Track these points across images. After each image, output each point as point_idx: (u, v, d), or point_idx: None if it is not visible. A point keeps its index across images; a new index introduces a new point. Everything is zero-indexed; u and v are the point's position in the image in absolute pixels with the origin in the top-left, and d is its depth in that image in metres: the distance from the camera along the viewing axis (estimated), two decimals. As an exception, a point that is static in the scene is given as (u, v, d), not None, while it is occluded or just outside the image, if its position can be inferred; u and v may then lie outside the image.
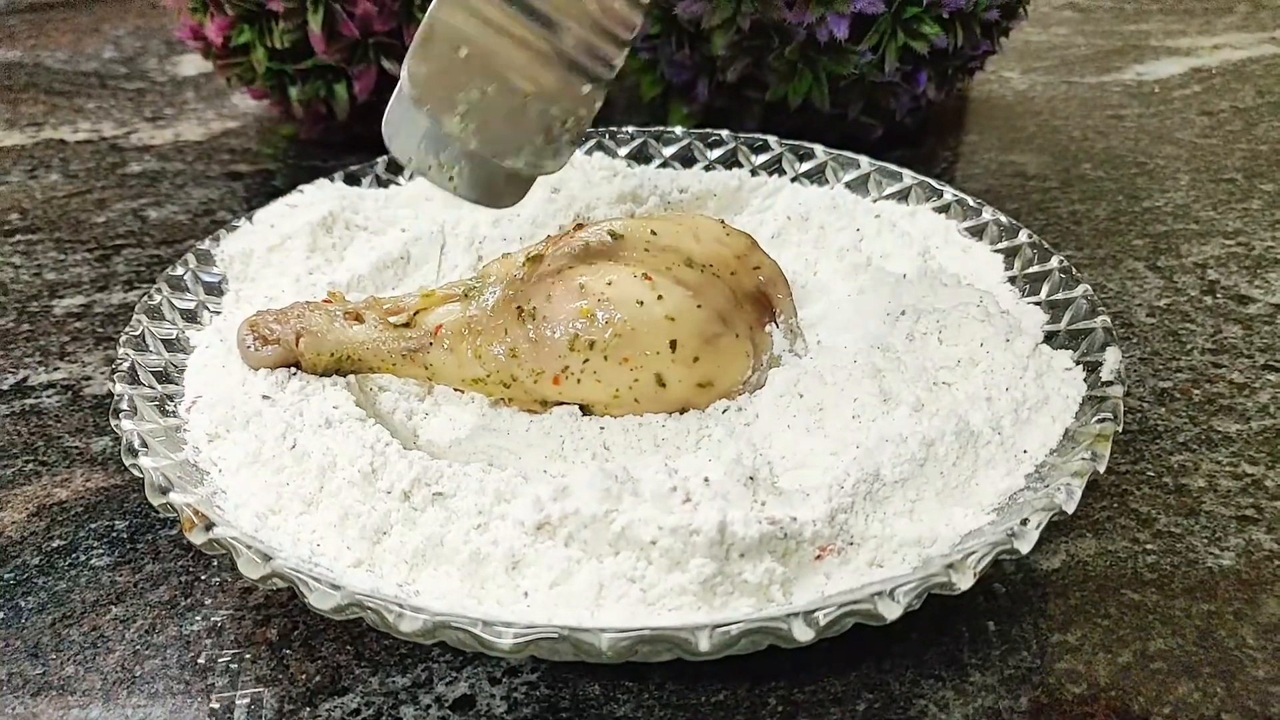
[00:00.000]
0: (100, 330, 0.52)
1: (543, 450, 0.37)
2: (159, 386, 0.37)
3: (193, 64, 0.93)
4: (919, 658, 0.33)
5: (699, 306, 0.38)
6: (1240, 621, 0.35)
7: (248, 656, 0.33)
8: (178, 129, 0.78)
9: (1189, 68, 0.90)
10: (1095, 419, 0.34)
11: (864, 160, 0.53)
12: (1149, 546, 0.38)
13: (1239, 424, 0.44)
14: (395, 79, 0.64)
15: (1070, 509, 0.30)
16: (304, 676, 0.32)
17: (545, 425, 0.38)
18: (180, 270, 0.43)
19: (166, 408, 0.36)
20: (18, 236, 0.61)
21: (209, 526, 0.29)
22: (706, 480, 0.31)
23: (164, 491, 0.30)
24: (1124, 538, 0.38)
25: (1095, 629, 0.35)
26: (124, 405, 0.34)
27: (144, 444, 0.33)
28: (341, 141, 0.72)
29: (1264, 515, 0.39)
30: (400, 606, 0.26)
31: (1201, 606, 0.35)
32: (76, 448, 0.43)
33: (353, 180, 0.51)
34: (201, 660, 0.33)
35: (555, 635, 0.26)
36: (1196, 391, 0.47)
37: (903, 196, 0.50)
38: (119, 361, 0.37)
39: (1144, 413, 0.45)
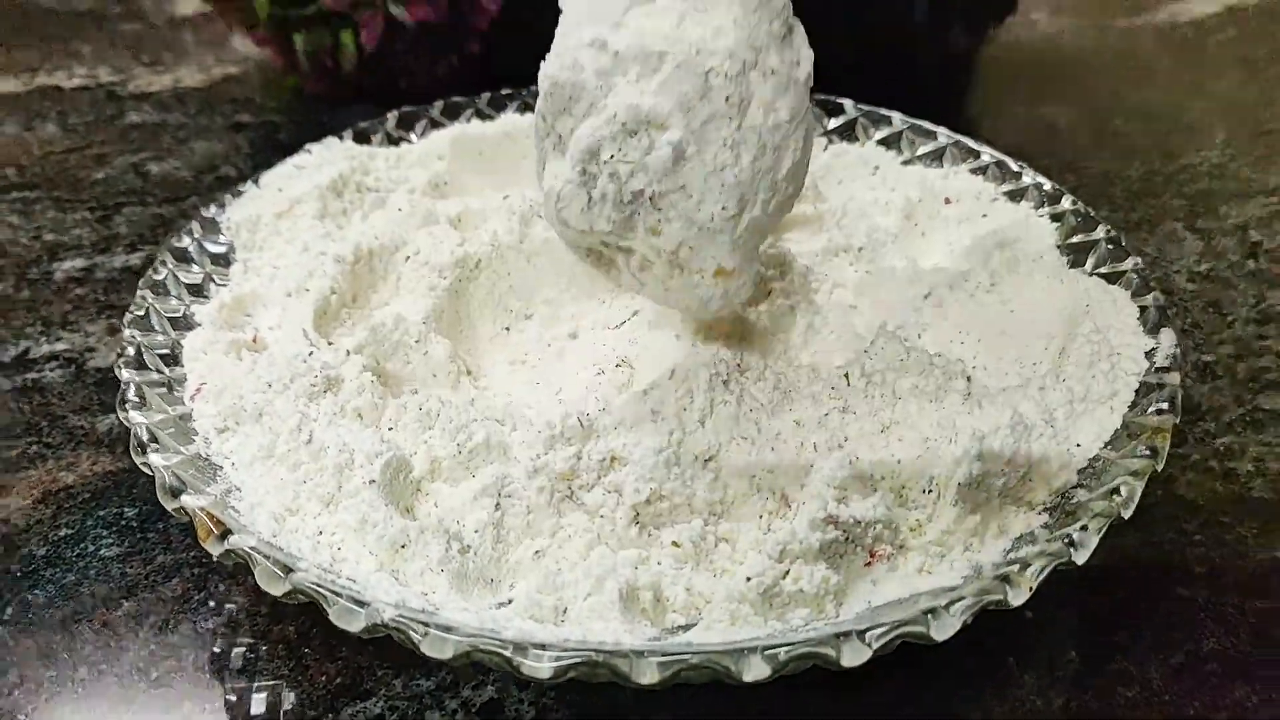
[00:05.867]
0: (103, 298, 0.50)
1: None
2: (167, 370, 0.35)
3: (190, 2, 0.89)
4: (959, 658, 0.32)
5: None
6: (1295, 619, 0.34)
7: (265, 656, 0.32)
8: (177, 74, 0.75)
9: (1224, 6, 0.86)
10: (1152, 409, 0.32)
11: (896, 117, 0.50)
12: (1197, 538, 0.37)
13: (1287, 402, 0.43)
14: (403, 26, 0.62)
15: (1128, 514, 0.29)
16: (324, 678, 0.31)
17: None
18: (185, 241, 0.41)
19: (175, 392, 0.35)
20: (14, 194, 0.59)
21: (225, 534, 0.28)
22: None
23: (176, 494, 0.29)
24: (1170, 528, 0.37)
25: (1145, 628, 0.33)
26: (131, 395, 0.33)
27: (153, 438, 0.31)
28: (347, 94, 0.69)
29: (1315, 502, 0.38)
30: (427, 626, 0.25)
31: (1255, 603, 0.34)
32: (81, 427, 0.42)
33: (362, 138, 0.49)
34: (218, 660, 0.32)
35: (593, 660, 0.24)
36: (1241, 366, 0.45)
37: (936, 157, 0.48)
38: (124, 345, 0.35)
39: (1187, 390, 0.43)
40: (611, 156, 0.27)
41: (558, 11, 0.31)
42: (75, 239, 0.55)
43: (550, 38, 0.31)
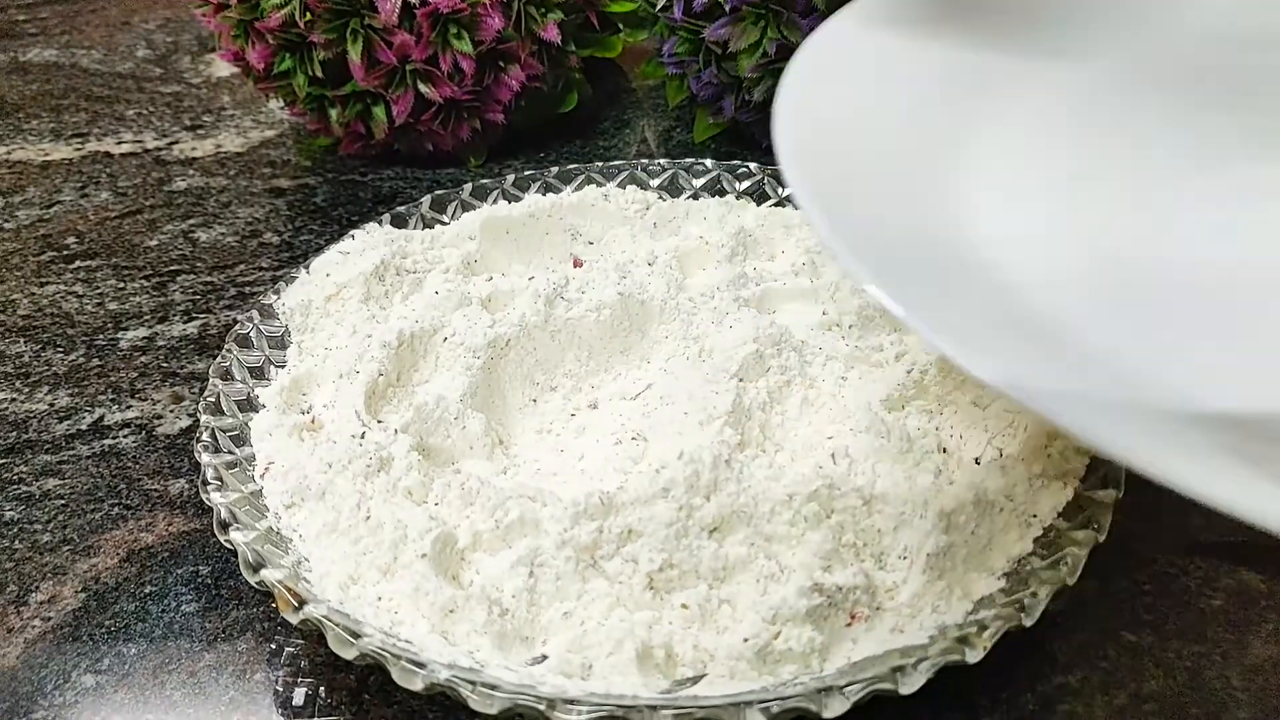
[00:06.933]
0: (165, 365, 0.55)
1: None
2: (237, 450, 0.40)
3: (226, 64, 0.95)
4: (932, 695, 0.36)
5: None
6: (1227, 663, 0.38)
7: (331, 702, 0.37)
8: (218, 139, 0.81)
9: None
10: (1099, 485, 0.37)
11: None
12: (1146, 587, 0.41)
13: (1237, 459, 0.47)
14: (430, 103, 0.67)
15: (1073, 580, 0.34)
16: (383, 722, 0.36)
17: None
18: (247, 328, 0.46)
19: (247, 470, 0.40)
20: (77, 263, 0.64)
21: (301, 604, 0.33)
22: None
23: (256, 569, 0.34)
24: (1124, 578, 0.42)
25: (1095, 671, 0.38)
26: (210, 477, 0.38)
27: (233, 517, 0.36)
28: (378, 155, 0.74)
29: (1255, 554, 0.42)
30: (474, 684, 0.30)
31: (1193, 648, 0.39)
32: (156, 490, 0.47)
33: (399, 222, 0.54)
34: (290, 705, 0.37)
35: (615, 715, 0.29)
36: (1199, 424, 0.49)
37: (922, 234, 0.53)
38: (201, 430, 0.40)
39: (1148, 447, 0.48)
40: None
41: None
42: (135, 307, 0.60)
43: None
